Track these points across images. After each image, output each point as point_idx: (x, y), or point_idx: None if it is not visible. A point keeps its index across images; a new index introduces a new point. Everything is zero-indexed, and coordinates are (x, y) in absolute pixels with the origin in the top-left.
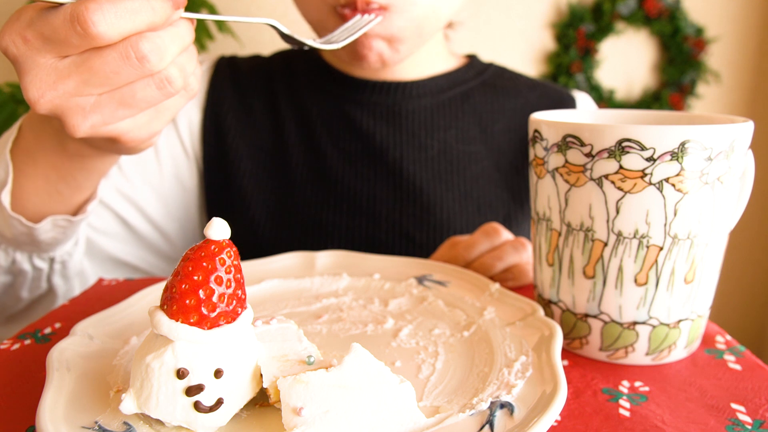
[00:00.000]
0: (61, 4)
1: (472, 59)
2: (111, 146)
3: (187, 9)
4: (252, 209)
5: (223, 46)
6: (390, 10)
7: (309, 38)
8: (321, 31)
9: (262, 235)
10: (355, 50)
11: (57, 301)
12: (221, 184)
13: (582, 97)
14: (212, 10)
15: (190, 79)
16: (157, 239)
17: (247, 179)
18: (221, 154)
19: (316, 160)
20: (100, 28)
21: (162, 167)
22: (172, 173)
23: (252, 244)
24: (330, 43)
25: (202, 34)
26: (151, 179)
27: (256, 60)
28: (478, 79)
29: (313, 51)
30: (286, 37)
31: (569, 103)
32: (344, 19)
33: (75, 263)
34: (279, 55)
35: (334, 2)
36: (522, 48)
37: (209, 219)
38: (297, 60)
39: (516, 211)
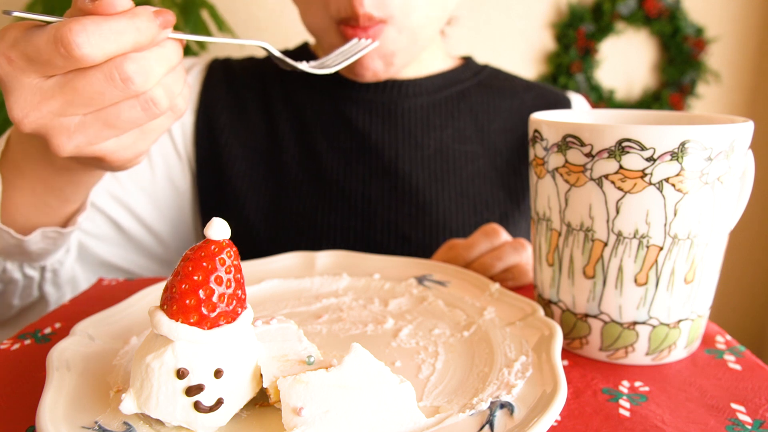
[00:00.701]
0: (48, 23)
1: (467, 60)
2: (97, 164)
3: (187, 9)
4: (246, 210)
5: (222, 46)
6: (388, 23)
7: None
8: (321, 40)
9: (256, 236)
10: (350, 68)
11: (48, 308)
12: (215, 185)
13: (577, 99)
14: (212, 10)
15: (177, 99)
16: (150, 242)
17: (241, 180)
18: (214, 155)
19: (311, 160)
20: (84, 50)
21: (154, 170)
22: (165, 176)
23: (247, 245)
24: (323, 68)
25: (202, 34)
26: (144, 182)
27: (250, 62)
28: (474, 80)
29: (309, 51)
30: (278, 60)
31: (564, 105)
32: (344, 33)
33: (66, 271)
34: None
35: (336, 16)
36: (522, 48)
37: (203, 221)
38: (292, 57)
39: (513, 210)
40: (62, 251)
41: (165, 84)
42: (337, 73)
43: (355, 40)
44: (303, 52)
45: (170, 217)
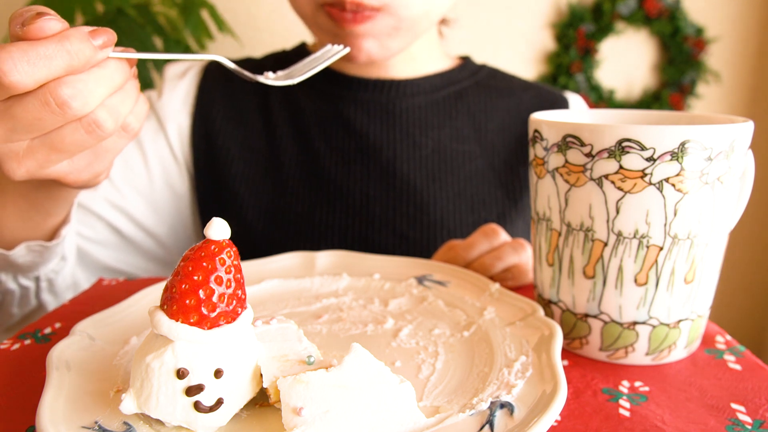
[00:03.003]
0: None
1: (465, 60)
2: (58, 184)
3: (187, 9)
4: (244, 211)
5: (222, 46)
6: (383, 11)
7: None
8: (313, 28)
9: (255, 237)
10: (344, 55)
11: None
12: (213, 187)
13: (574, 99)
14: (212, 10)
15: (128, 119)
16: (151, 245)
17: (239, 181)
18: (211, 157)
19: (309, 160)
20: (13, 77)
21: (152, 175)
22: (163, 180)
23: (246, 245)
24: (290, 77)
25: (202, 34)
26: (141, 188)
27: (247, 63)
28: (472, 79)
29: (307, 51)
30: (235, 72)
31: (562, 104)
32: (331, 15)
33: (64, 279)
34: (271, 57)
35: (322, 0)
36: (522, 48)
37: (203, 222)
38: (290, 60)
39: (510, 209)
40: (54, 261)
41: (109, 105)
42: (335, 72)
43: (328, 46)
44: (301, 53)
45: (170, 220)
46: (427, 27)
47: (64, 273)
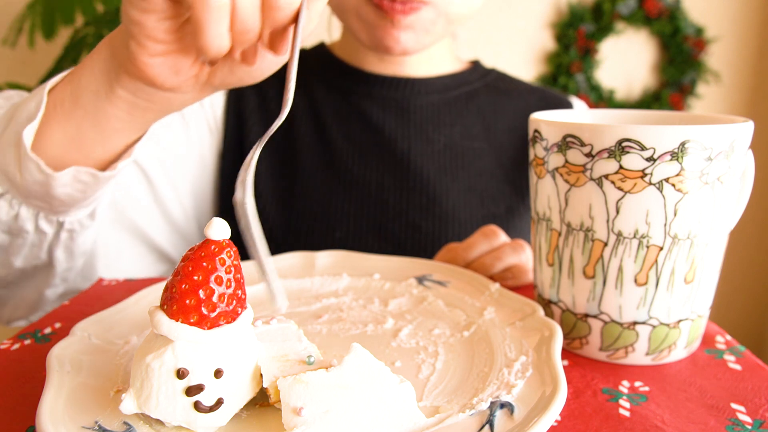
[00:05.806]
0: None
1: (475, 63)
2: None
3: None
4: (262, 197)
5: None
6: (428, 4)
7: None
8: (351, 19)
9: (271, 223)
10: (381, 41)
11: (52, 279)
12: (233, 168)
13: (579, 104)
14: None
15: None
16: (176, 208)
17: (257, 168)
18: (237, 140)
19: (326, 151)
20: None
21: (190, 139)
22: (197, 151)
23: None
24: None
25: None
26: (176, 146)
27: None
28: (482, 81)
29: (327, 51)
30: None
31: (566, 107)
32: (380, 6)
33: (86, 239)
34: None
35: None
36: (522, 48)
37: (221, 201)
38: (309, 56)
39: (518, 204)
40: (87, 209)
41: None
42: (353, 68)
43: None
44: (320, 53)
45: (193, 188)
46: (459, 23)
47: (87, 233)
